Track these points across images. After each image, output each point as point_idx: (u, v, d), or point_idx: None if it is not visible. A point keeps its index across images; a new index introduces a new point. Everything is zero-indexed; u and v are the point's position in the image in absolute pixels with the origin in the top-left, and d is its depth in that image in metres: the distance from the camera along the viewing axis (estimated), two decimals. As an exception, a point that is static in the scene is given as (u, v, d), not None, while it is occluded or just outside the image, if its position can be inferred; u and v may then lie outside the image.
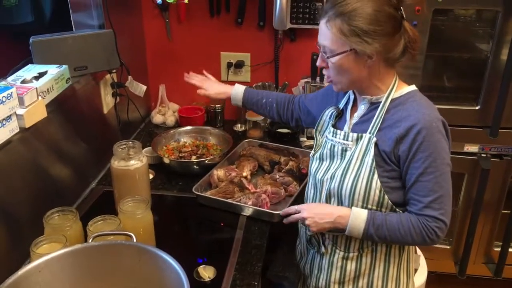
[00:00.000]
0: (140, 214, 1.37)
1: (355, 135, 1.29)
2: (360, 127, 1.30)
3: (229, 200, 1.64)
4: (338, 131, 1.34)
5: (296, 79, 2.23)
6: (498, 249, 2.35)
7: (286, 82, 2.26)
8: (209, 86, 1.78)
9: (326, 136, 1.38)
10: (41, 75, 1.47)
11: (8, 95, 1.20)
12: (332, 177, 1.32)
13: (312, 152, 1.45)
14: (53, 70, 1.50)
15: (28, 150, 1.41)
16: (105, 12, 1.75)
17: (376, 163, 1.24)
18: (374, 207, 1.27)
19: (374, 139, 1.24)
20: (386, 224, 1.25)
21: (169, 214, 1.72)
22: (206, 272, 1.36)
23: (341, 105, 1.41)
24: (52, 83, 1.46)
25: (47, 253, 1.10)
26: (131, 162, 1.52)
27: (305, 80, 2.15)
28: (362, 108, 1.31)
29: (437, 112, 1.24)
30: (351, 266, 1.36)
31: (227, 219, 1.62)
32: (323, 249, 1.41)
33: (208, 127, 2.11)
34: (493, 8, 1.95)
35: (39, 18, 2.10)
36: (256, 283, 1.35)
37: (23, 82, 1.42)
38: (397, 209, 1.27)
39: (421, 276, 2.02)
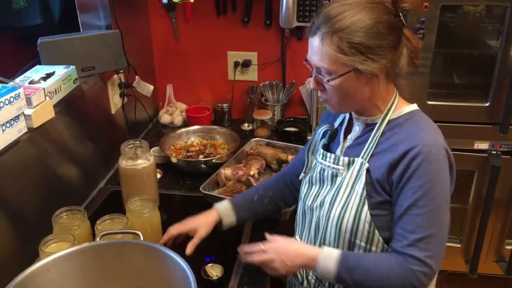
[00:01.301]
0: (148, 213, 1.37)
1: (346, 159, 1.15)
2: (353, 150, 1.17)
3: (237, 199, 1.63)
4: (328, 154, 1.20)
5: (303, 77, 2.22)
6: (510, 247, 2.32)
7: (293, 81, 2.26)
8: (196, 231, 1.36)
9: (316, 158, 1.26)
10: (48, 75, 1.48)
11: (16, 96, 1.21)
12: (321, 205, 1.20)
13: (302, 174, 1.32)
14: (60, 71, 1.51)
15: (36, 150, 1.42)
16: (111, 13, 1.76)
17: (367, 193, 1.10)
18: (363, 244, 1.12)
19: (366, 165, 1.11)
20: (361, 267, 1.09)
21: (177, 213, 1.71)
22: (214, 271, 1.36)
23: (336, 124, 1.27)
24: (59, 84, 1.47)
25: (55, 252, 1.11)
26: (139, 161, 1.53)
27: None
28: (356, 130, 1.19)
29: (441, 137, 1.09)
30: None
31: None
32: (305, 283, 1.28)
33: (215, 126, 2.11)
34: (501, 3, 1.93)
35: (47, 20, 2.12)
36: (264, 281, 1.34)
37: (31, 82, 1.43)
38: (387, 247, 1.12)
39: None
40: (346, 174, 1.15)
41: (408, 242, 1.05)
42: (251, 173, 1.77)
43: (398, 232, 1.08)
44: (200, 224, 1.35)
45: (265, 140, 2.03)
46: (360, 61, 1.03)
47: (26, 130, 1.29)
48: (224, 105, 2.27)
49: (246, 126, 2.27)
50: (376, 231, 1.11)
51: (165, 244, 1.31)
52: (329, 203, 1.17)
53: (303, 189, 1.30)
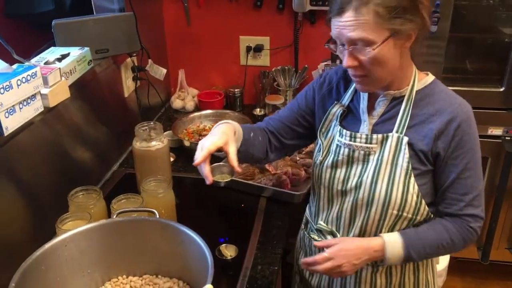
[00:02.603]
0: (162, 193, 1.38)
1: (380, 136, 1.13)
2: (383, 126, 1.15)
3: (250, 182, 1.64)
4: (358, 134, 1.17)
5: (316, 62, 2.21)
6: (523, 234, 2.31)
7: (306, 66, 2.25)
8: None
9: (339, 140, 1.20)
10: (63, 56, 1.48)
11: (33, 74, 1.22)
12: (358, 186, 1.17)
13: (319, 158, 1.24)
14: (75, 52, 1.51)
15: (50, 131, 1.43)
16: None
17: (411, 165, 1.11)
18: (410, 215, 1.14)
19: (406, 138, 1.11)
20: (425, 243, 1.15)
21: (190, 195, 1.74)
22: (228, 251, 1.37)
23: (346, 102, 1.23)
24: (74, 65, 1.47)
25: (72, 229, 1.12)
26: (153, 143, 1.53)
27: (326, 63, 2.13)
28: (380, 105, 1.16)
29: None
30: (381, 280, 1.24)
31: (248, 200, 1.62)
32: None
33: (228, 111, 2.11)
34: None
35: (59, 6, 2.12)
36: (276, 266, 1.35)
37: (46, 63, 1.43)
38: (431, 214, 1.17)
39: (442, 261, 2.00)
40: (383, 151, 1.13)
41: (464, 203, 1.13)
42: (264, 156, 1.77)
43: (450, 197, 1.14)
44: (224, 139, 1.15)
45: (277, 124, 2.03)
46: (399, 23, 1.02)
47: (43, 109, 1.29)
48: (236, 90, 2.27)
49: (258, 111, 2.27)
50: (423, 201, 1.14)
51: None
52: (371, 183, 1.14)
53: (324, 174, 1.23)
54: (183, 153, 1.90)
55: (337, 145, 1.21)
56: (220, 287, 1.24)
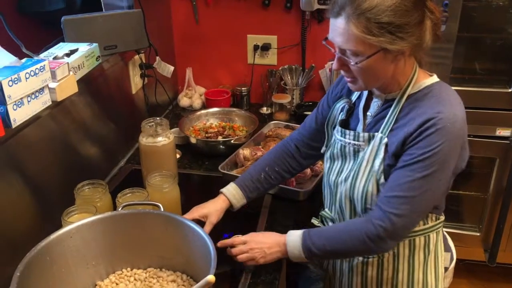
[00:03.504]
0: (167, 188, 1.39)
1: (366, 135, 1.17)
2: (374, 126, 1.17)
3: (255, 179, 1.64)
4: (347, 131, 1.21)
5: (323, 61, 2.22)
6: (530, 237, 2.29)
7: (313, 65, 2.25)
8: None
9: (335, 135, 1.27)
10: (72, 52, 1.50)
11: (41, 68, 1.23)
12: (345, 180, 1.22)
13: (324, 148, 1.34)
14: (84, 48, 1.53)
15: (58, 126, 1.44)
16: (134, -7, 1.77)
17: (384, 167, 1.12)
18: None
19: (385, 139, 1.11)
20: (322, 232, 1.18)
21: (196, 192, 1.74)
22: None
23: (354, 98, 1.27)
24: (82, 60, 1.49)
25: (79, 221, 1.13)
26: (159, 139, 1.54)
27: (332, 62, 2.12)
28: (375, 106, 1.19)
29: (460, 110, 1.06)
30: (372, 272, 1.26)
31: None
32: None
33: (234, 109, 2.12)
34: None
35: (70, 4, 2.15)
36: (279, 262, 1.34)
37: (55, 58, 1.45)
38: None
39: (448, 263, 1.98)
40: (367, 149, 1.16)
41: (385, 196, 1.09)
42: (270, 154, 1.77)
43: (384, 189, 1.12)
44: (210, 211, 1.34)
45: (283, 122, 2.03)
46: (389, 41, 1.01)
47: (51, 102, 1.31)
48: (243, 89, 2.27)
49: (265, 110, 2.27)
50: None
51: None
52: (352, 178, 1.19)
53: (326, 164, 1.31)
54: (189, 150, 1.90)
55: (334, 139, 1.27)
56: (223, 282, 1.24)
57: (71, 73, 1.39)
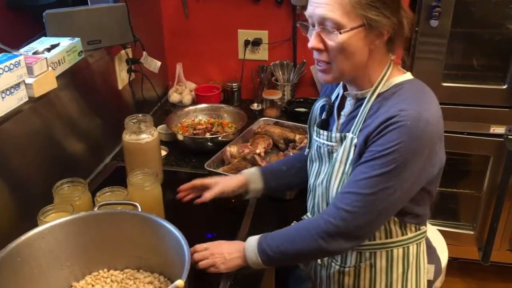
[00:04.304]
0: (149, 187, 1.35)
1: (338, 135, 1.12)
2: (346, 126, 1.13)
3: (241, 176, 1.61)
4: (321, 131, 1.18)
5: (315, 57, 2.18)
6: (525, 235, 2.26)
7: (304, 60, 2.21)
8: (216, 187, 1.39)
9: (312, 135, 1.24)
10: (53, 47, 1.47)
11: (16, 63, 1.20)
12: (321, 183, 1.18)
13: (307, 149, 1.30)
14: (65, 42, 1.49)
15: (40, 121, 1.41)
16: (119, -14, 1.73)
17: (352, 168, 1.08)
18: None
19: (355, 140, 1.07)
20: (278, 233, 1.14)
21: (181, 190, 1.71)
22: None
23: (333, 98, 1.23)
24: (63, 55, 1.46)
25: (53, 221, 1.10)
26: (142, 136, 1.51)
27: (324, 58, 2.09)
28: (348, 105, 1.14)
29: (430, 111, 1.00)
30: (349, 281, 1.21)
31: (239, 195, 1.59)
32: (318, 259, 1.28)
33: (223, 105, 2.08)
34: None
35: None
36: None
37: (35, 53, 1.41)
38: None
39: (442, 262, 1.95)
40: (339, 150, 1.12)
41: (339, 192, 1.07)
42: (257, 151, 1.74)
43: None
44: (218, 181, 1.37)
45: (273, 119, 2.00)
46: (375, 14, 0.98)
47: (27, 99, 1.28)
48: (233, 84, 2.24)
49: (255, 106, 2.24)
50: None
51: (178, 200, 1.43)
52: (327, 181, 1.15)
53: (308, 166, 1.28)
54: (176, 147, 1.87)
55: (314, 140, 1.23)
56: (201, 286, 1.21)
57: (50, 68, 1.35)
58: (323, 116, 1.23)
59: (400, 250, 1.15)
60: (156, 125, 1.83)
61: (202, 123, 1.98)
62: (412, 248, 1.17)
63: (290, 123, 1.96)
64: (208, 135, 1.87)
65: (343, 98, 1.18)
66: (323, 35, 1.02)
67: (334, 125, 1.18)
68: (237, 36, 2.24)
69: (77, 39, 1.53)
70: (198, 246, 1.20)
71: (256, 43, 2.21)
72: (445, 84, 2.02)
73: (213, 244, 1.20)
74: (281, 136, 1.85)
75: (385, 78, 1.08)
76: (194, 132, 1.91)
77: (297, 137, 1.83)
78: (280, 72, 2.23)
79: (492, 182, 2.17)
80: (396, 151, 0.98)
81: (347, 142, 1.10)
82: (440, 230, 2.06)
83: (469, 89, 2.04)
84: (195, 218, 1.53)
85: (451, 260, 2.01)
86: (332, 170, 1.14)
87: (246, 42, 2.23)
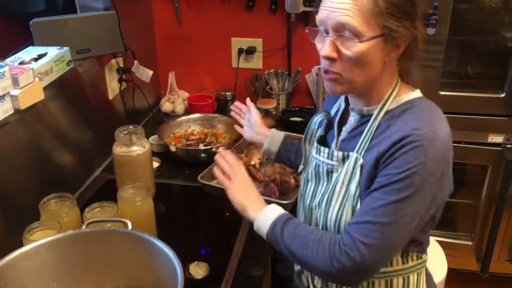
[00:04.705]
0: (140, 201, 1.31)
1: (340, 154, 1.04)
2: (349, 144, 1.06)
3: (236, 189, 1.56)
4: (322, 148, 1.10)
5: (310, 65, 2.15)
6: (524, 245, 2.23)
7: (299, 69, 2.18)
8: (246, 130, 1.54)
9: (312, 152, 1.16)
10: (40, 56, 1.42)
11: (0, 74, 1.15)
12: (319, 204, 1.09)
13: (301, 166, 1.23)
14: (53, 52, 1.44)
15: (28, 133, 1.37)
16: (109, -6, 1.69)
17: (359, 192, 1.00)
18: None
19: (361, 160, 0.99)
20: (294, 234, 1.03)
21: (174, 203, 1.66)
22: (200, 269, 1.28)
23: (333, 112, 1.16)
24: (51, 65, 1.41)
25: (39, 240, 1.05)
26: (133, 148, 1.47)
27: (319, 66, 2.05)
28: (351, 121, 1.07)
29: (442, 129, 0.95)
30: None
31: (233, 208, 1.54)
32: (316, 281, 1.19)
33: (217, 115, 2.04)
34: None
35: (51, 7, 2.06)
36: (260, 272, 1.28)
37: (22, 63, 1.36)
38: None
39: (439, 274, 1.92)
40: (341, 170, 1.04)
41: (354, 220, 0.97)
42: (252, 163, 1.70)
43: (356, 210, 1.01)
44: (262, 130, 1.48)
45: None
46: (395, 24, 0.92)
47: (13, 111, 1.23)
48: (227, 93, 2.20)
49: (249, 116, 2.19)
50: None
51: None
52: (326, 203, 1.07)
53: (302, 185, 1.20)
54: (169, 159, 1.82)
55: (311, 156, 1.16)
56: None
57: (36, 79, 1.30)
58: (320, 132, 1.16)
59: (400, 279, 1.08)
60: (148, 136, 1.79)
61: (195, 134, 1.93)
62: (413, 278, 1.09)
63: (285, 133, 1.91)
64: (201, 146, 1.82)
65: (345, 113, 1.11)
66: (338, 43, 0.94)
67: (333, 142, 1.12)
68: (231, 44, 2.21)
69: (65, 48, 1.48)
70: (226, 155, 1.23)
71: (250, 51, 2.18)
72: (442, 93, 1.99)
73: (241, 175, 1.18)
74: (277, 146, 1.80)
75: (394, 94, 1.02)
76: (187, 143, 1.86)
77: (293, 147, 1.78)
78: (275, 81, 2.19)
79: (490, 192, 2.14)
80: (413, 174, 0.91)
81: (350, 162, 1.02)
82: (438, 241, 2.03)
83: (466, 97, 2.01)
84: (189, 233, 1.48)
85: (449, 271, 1.97)
86: (332, 191, 1.06)
87: (240, 51, 2.19)
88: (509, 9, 1.97)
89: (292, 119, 2.10)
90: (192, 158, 1.80)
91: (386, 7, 0.91)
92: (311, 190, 1.15)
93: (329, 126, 1.16)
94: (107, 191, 1.60)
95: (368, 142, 1.01)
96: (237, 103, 1.60)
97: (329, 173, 1.09)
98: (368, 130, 1.01)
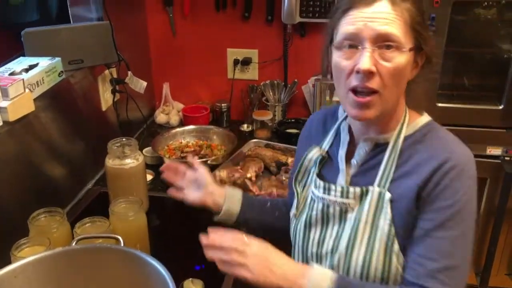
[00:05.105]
0: (133, 216, 1.27)
1: (358, 190, 0.94)
2: (363, 178, 0.97)
3: (231, 203, 1.52)
4: (333, 187, 0.98)
5: (306, 76, 2.12)
6: (523, 259, 2.20)
7: (296, 80, 2.15)
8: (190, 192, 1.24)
9: (313, 192, 1.03)
10: (31, 67, 1.39)
11: (-11, 85, 1.12)
12: (333, 251, 0.97)
13: (293, 212, 1.07)
14: (44, 62, 1.42)
15: (17, 145, 1.33)
16: (102, 4, 1.66)
17: (395, 231, 0.90)
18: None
19: (388, 194, 0.91)
20: (359, 282, 0.92)
21: (168, 217, 1.62)
22: (195, 286, 1.24)
23: (325, 146, 1.06)
24: (42, 76, 1.38)
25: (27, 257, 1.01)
26: (127, 160, 1.44)
27: (316, 77, 2.04)
28: (361, 153, 0.98)
29: (467, 149, 0.93)
30: None
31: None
32: None
33: (212, 126, 2.01)
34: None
35: (44, 17, 2.05)
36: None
37: (12, 74, 1.33)
38: None
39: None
40: (361, 208, 0.94)
41: (426, 271, 0.87)
42: (248, 175, 1.66)
43: (414, 259, 0.89)
44: (210, 188, 1.19)
45: (264, 141, 1.93)
46: (426, 33, 0.88)
47: (1, 123, 1.19)
48: (222, 105, 2.17)
49: (245, 127, 2.16)
50: None
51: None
52: (347, 248, 0.95)
53: (298, 233, 1.05)
54: (163, 171, 1.78)
55: (311, 198, 1.03)
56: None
57: (27, 90, 1.27)
58: (314, 169, 1.05)
59: None
60: (141, 148, 1.76)
61: (190, 146, 1.90)
62: None
63: (281, 145, 1.89)
64: (196, 159, 1.78)
65: (350, 146, 1.01)
66: (376, 56, 0.86)
67: (340, 177, 1.00)
68: (226, 55, 2.18)
69: (57, 59, 1.45)
70: (235, 241, 0.93)
71: (246, 62, 2.15)
72: (440, 105, 1.97)
73: (253, 243, 0.93)
74: (273, 159, 1.77)
75: (407, 120, 0.96)
76: (182, 155, 1.83)
77: (289, 160, 1.76)
78: (271, 92, 2.17)
79: (489, 205, 2.11)
80: (466, 201, 0.88)
81: (373, 198, 0.92)
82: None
83: (464, 109, 1.99)
84: (183, 248, 1.44)
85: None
86: (354, 233, 0.94)
87: (236, 61, 2.17)
88: (505, 21, 1.96)
89: (288, 130, 2.07)
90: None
91: (419, 15, 0.88)
92: (317, 236, 1.01)
93: (322, 162, 1.05)
94: (99, 205, 1.56)
95: (391, 173, 0.93)
96: (168, 163, 1.31)
97: (343, 213, 0.97)
98: (388, 160, 0.94)
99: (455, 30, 1.89)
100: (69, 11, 1.73)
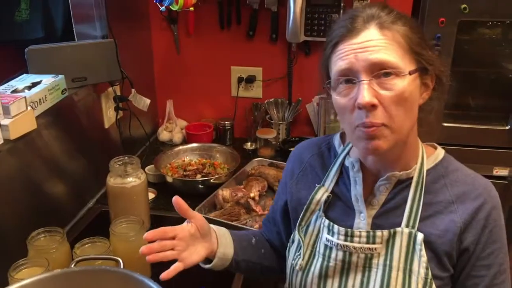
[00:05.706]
0: (133, 237, 1.25)
1: (385, 233, 0.87)
2: (386, 219, 0.90)
3: (234, 223, 1.50)
4: (356, 232, 0.89)
5: (310, 95, 2.11)
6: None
7: (300, 99, 2.14)
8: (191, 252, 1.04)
9: (329, 240, 0.92)
10: (34, 85, 1.38)
11: (-10, 103, 1.11)
12: None
13: (300, 262, 0.95)
14: (47, 80, 1.41)
15: (19, 163, 1.31)
16: (106, 22, 1.66)
17: (432, 274, 0.85)
18: None
19: (421, 235, 0.85)
20: None
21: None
22: None
23: (328, 185, 0.98)
24: (45, 93, 1.36)
25: (25, 279, 0.98)
26: (128, 179, 1.42)
27: (320, 96, 2.03)
28: (381, 191, 0.91)
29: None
30: None
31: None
32: None
33: (215, 145, 1.99)
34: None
35: (49, 33, 2.05)
36: None
37: (14, 91, 1.32)
38: None
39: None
40: (390, 253, 0.87)
41: None
42: (251, 195, 1.64)
43: None
44: (196, 247, 1.02)
45: (268, 160, 1.91)
46: (428, 54, 0.84)
47: (2, 141, 1.18)
48: (226, 122, 2.15)
49: (249, 145, 2.14)
50: None
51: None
52: None
53: (310, 285, 0.95)
54: (165, 190, 1.76)
55: (326, 245, 0.93)
56: None
57: (29, 108, 1.26)
58: (320, 212, 0.96)
59: None
60: (144, 166, 1.74)
61: (193, 164, 1.88)
62: None
63: (285, 164, 1.86)
64: (199, 177, 1.76)
65: (366, 183, 0.94)
66: (375, 86, 0.81)
67: (357, 220, 0.92)
68: (230, 73, 2.17)
69: (61, 76, 1.44)
70: None
71: (250, 80, 2.14)
72: (446, 124, 1.95)
73: None
74: (276, 178, 1.75)
75: (425, 152, 0.93)
76: (184, 173, 1.81)
77: (293, 179, 1.73)
78: (275, 110, 2.15)
79: (496, 226, 2.07)
80: (505, 239, 0.90)
81: (403, 240, 0.86)
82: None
83: (470, 129, 1.97)
84: (184, 271, 1.40)
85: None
86: (387, 282, 0.86)
87: (240, 79, 2.16)
88: (510, 40, 1.95)
89: (291, 149, 2.04)
90: (190, 189, 1.74)
91: (417, 39, 0.84)
92: (334, 287, 0.93)
93: (326, 204, 0.97)
94: (100, 224, 1.54)
95: (419, 211, 0.88)
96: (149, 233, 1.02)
97: (368, 260, 0.89)
98: (414, 197, 0.89)
99: (461, 50, 1.88)
100: (74, 29, 1.73)
